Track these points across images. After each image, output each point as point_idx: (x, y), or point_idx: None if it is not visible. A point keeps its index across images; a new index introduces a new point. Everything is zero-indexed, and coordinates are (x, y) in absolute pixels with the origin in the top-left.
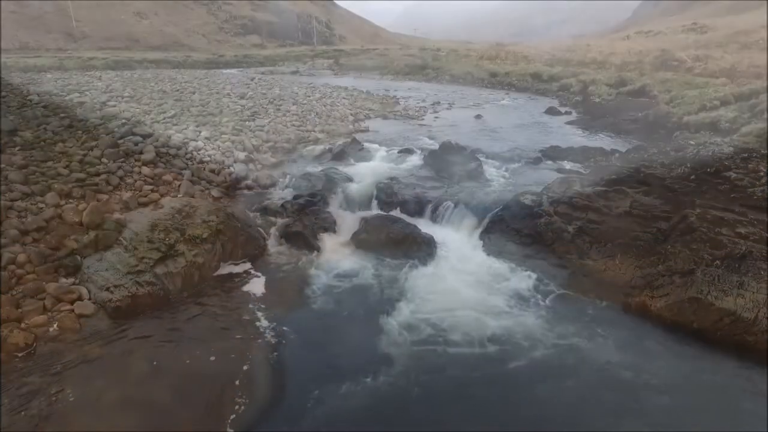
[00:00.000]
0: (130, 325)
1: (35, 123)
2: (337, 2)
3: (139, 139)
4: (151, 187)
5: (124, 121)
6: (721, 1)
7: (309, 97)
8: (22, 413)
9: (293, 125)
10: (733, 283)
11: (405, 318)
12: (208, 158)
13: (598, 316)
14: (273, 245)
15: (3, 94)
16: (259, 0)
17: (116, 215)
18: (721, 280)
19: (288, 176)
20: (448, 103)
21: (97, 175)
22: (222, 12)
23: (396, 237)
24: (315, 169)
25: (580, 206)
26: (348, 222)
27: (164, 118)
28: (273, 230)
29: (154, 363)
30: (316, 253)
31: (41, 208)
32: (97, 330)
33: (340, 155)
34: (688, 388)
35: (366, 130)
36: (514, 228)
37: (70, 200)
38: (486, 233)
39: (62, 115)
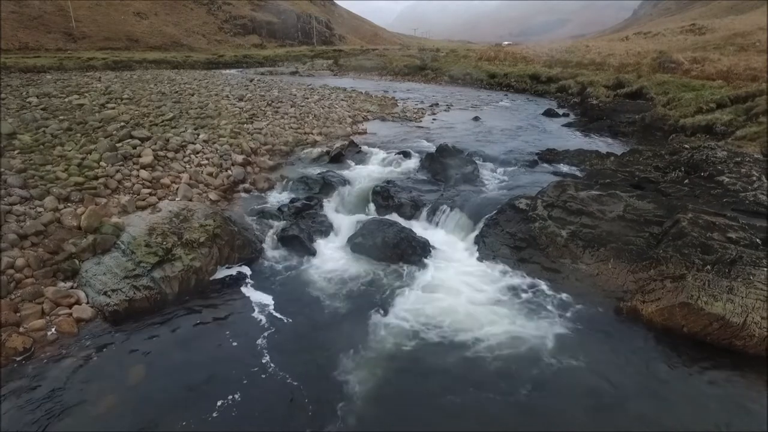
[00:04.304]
0: (127, 330)
1: (34, 126)
2: (337, 2)
3: (138, 142)
4: (149, 190)
5: (122, 123)
6: (720, 2)
7: (307, 99)
8: (21, 417)
9: (291, 128)
10: (723, 288)
11: (400, 321)
12: (206, 161)
13: (590, 320)
14: (269, 249)
15: (2, 96)
16: (259, 0)
17: (114, 219)
18: (711, 285)
19: (285, 179)
20: (447, 105)
21: (96, 178)
22: (222, 12)
23: (391, 241)
24: (312, 171)
25: (574, 210)
26: (344, 225)
27: (163, 121)
28: (270, 234)
29: (151, 367)
30: (312, 256)
31: (40, 212)
32: (94, 334)
33: (337, 158)
34: (678, 392)
35: (364, 132)
36: (509, 232)
37: (69, 204)
38: (481, 237)
39: (61, 117)
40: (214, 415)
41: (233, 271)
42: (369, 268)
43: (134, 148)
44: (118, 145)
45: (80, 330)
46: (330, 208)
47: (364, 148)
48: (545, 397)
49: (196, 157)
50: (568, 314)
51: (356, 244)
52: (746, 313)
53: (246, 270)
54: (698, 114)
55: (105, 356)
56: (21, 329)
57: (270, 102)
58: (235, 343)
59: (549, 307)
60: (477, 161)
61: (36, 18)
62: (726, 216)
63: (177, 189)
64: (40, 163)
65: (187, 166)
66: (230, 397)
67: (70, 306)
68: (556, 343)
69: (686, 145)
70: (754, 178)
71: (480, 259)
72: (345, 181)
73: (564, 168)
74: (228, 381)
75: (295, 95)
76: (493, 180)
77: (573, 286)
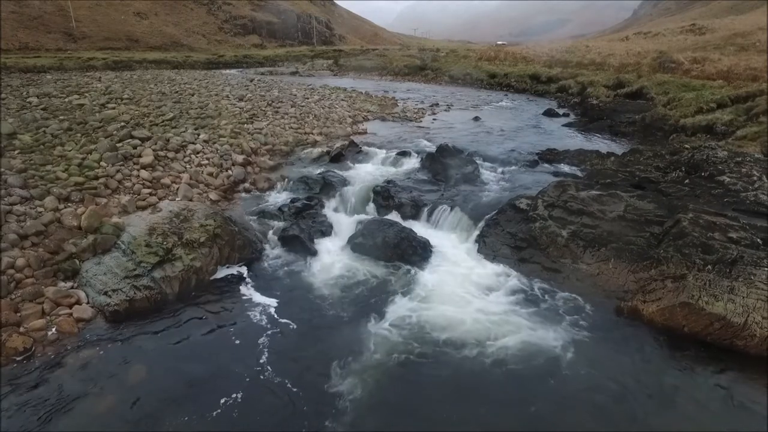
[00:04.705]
0: (127, 330)
1: (34, 126)
2: (337, 2)
3: (138, 142)
4: (149, 190)
5: (123, 123)
6: (720, 2)
7: (307, 99)
8: (21, 417)
9: (291, 128)
10: (724, 288)
11: (400, 321)
12: (206, 161)
13: (591, 320)
14: (270, 249)
15: (3, 96)
16: (259, 0)
17: (114, 219)
18: (712, 285)
19: (286, 179)
20: (447, 105)
21: (96, 178)
22: (222, 12)
23: (392, 241)
24: (313, 171)
25: (575, 210)
26: (345, 225)
27: (163, 121)
28: (270, 234)
29: (152, 367)
30: (312, 256)
31: (40, 212)
32: (95, 334)
33: (337, 158)
34: (679, 392)
35: (364, 132)
36: (509, 232)
37: (69, 204)
38: (481, 237)
39: (61, 117)
40: (214, 415)
41: (233, 271)
42: (369, 268)
43: (134, 148)
44: (118, 145)
45: (80, 330)
46: (330, 208)
47: (365, 148)
48: (544, 397)
49: (197, 157)
50: (569, 314)
51: (357, 244)
52: (747, 313)
53: (246, 270)
54: (698, 114)
55: (105, 356)
56: (21, 329)
57: (270, 102)
58: (235, 344)
59: (549, 307)
60: (477, 161)
61: (36, 18)
62: (727, 216)
63: (177, 189)
64: (40, 163)
65: (188, 166)
66: (230, 397)
67: (70, 306)
68: (556, 343)
69: (687, 145)
70: (755, 178)
71: (480, 258)
72: (345, 181)
73: (564, 168)
74: (228, 381)
75: (295, 95)
76: (493, 180)
77: (573, 286)
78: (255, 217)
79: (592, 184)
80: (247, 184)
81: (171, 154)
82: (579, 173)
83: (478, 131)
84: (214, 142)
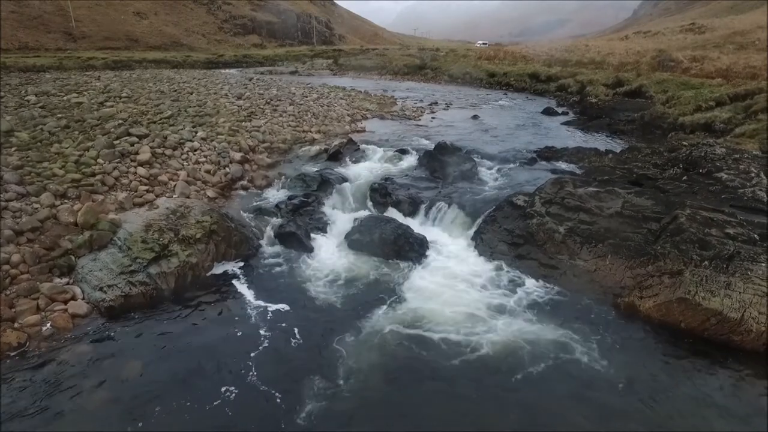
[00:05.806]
0: (122, 325)
1: (32, 123)
2: (337, 2)
3: (135, 139)
4: (146, 187)
5: (120, 121)
6: (720, 2)
7: (306, 97)
8: (15, 412)
9: (290, 126)
10: (721, 283)
11: (396, 317)
12: (203, 159)
13: (588, 317)
14: (267, 246)
15: (1, 94)
16: (259, 0)
17: (111, 215)
18: (709, 280)
19: (283, 177)
20: (446, 104)
21: (93, 175)
22: (222, 12)
23: (388, 237)
24: (310, 169)
25: (572, 207)
26: (342, 222)
27: (161, 119)
28: (267, 230)
29: (146, 362)
30: (309, 253)
31: (36, 208)
32: (89, 330)
33: (335, 156)
34: (675, 388)
35: (363, 131)
36: (507, 228)
37: (65, 201)
38: (478, 233)
39: (59, 115)
40: (208, 410)
41: (230, 267)
42: (366, 265)
43: (132, 145)
44: (115, 142)
45: (75, 325)
46: (328, 205)
47: (363, 146)
48: (542, 394)
49: (194, 154)
50: (565, 310)
51: (353, 241)
52: (744, 308)
53: (243, 266)
54: (697, 112)
55: (100, 351)
56: (16, 324)
57: (269, 100)
58: (230, 339)
59: (546, 304)
60: (475, 159)
61: (36, 18)
62: (724, 212)
63: (174, 186)
64: (37, 160)
65: (185, 163)
66: (224, 393)
67: (65, 302)
68: (552, 340)
69: (685, 143)
70: (753, 175)
71: (477, 255)
72: (343, 179)
73: (563, 165)
74: (223, 377)
75: (294, 94)
76: (491, 177)
77: (570, 282)
78: (252, 214)
79: (590, 181)
80: (244, 182)
81: (168, 152)
82: (577, 170)
83: (476, 129)
84: (212, 140)
